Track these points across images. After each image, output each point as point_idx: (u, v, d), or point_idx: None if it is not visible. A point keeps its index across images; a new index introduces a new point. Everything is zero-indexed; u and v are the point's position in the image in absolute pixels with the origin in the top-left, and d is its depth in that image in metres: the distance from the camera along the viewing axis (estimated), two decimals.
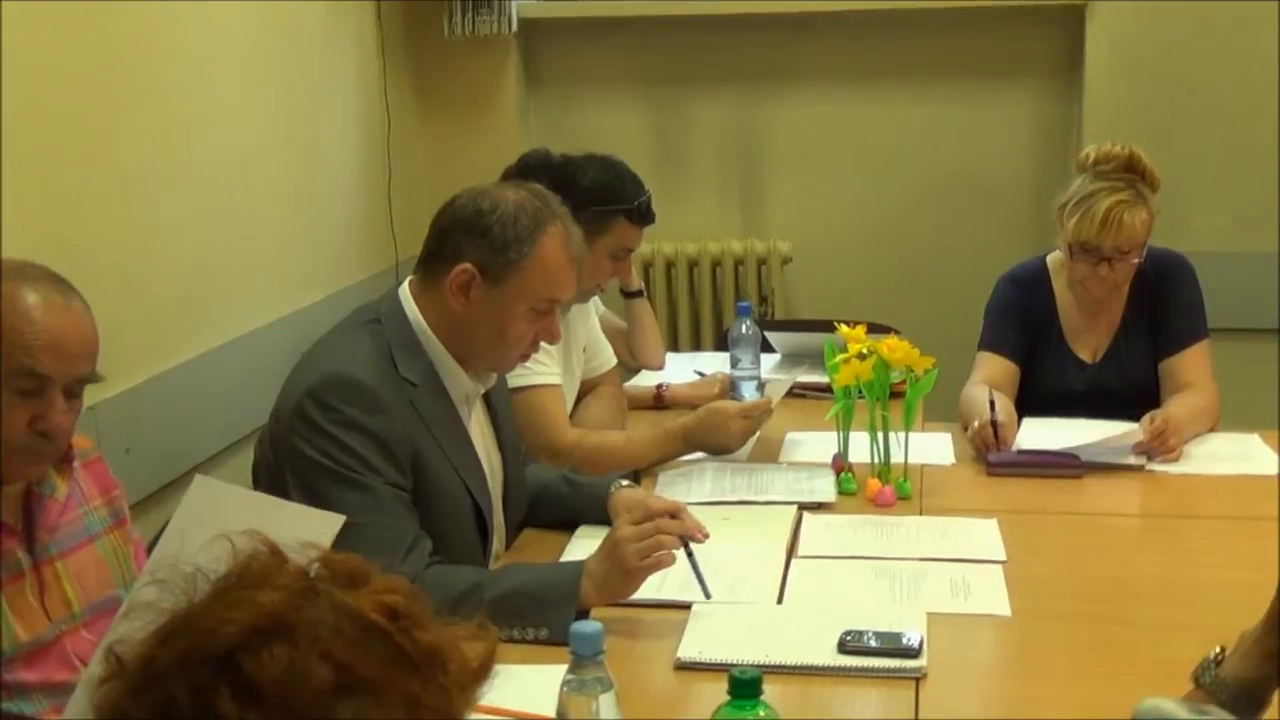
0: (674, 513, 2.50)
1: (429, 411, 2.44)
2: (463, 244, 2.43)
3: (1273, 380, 4.31)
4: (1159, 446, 3.02)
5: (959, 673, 2.14)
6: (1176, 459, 3.04)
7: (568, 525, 2.70)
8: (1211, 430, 3.23)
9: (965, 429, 3.20)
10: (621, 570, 2.24)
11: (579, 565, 2.30)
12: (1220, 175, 4.52)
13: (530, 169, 3.04)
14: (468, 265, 2.42)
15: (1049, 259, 3.43)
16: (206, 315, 3.32)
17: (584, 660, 1.75)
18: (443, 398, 2.48)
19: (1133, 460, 3.01)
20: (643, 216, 3.14)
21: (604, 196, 3.06)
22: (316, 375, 2.38)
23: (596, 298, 3.41)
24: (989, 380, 3.30)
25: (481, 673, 1.09)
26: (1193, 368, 3.31)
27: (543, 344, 2.92)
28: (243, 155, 3.52)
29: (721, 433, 3.03)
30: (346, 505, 2.23)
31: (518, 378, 2.91)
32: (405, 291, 2.50)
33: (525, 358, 2.57)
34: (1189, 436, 3.12)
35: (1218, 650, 1.73)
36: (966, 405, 3.28)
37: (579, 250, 2.54)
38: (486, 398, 2.62)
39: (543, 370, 2.99)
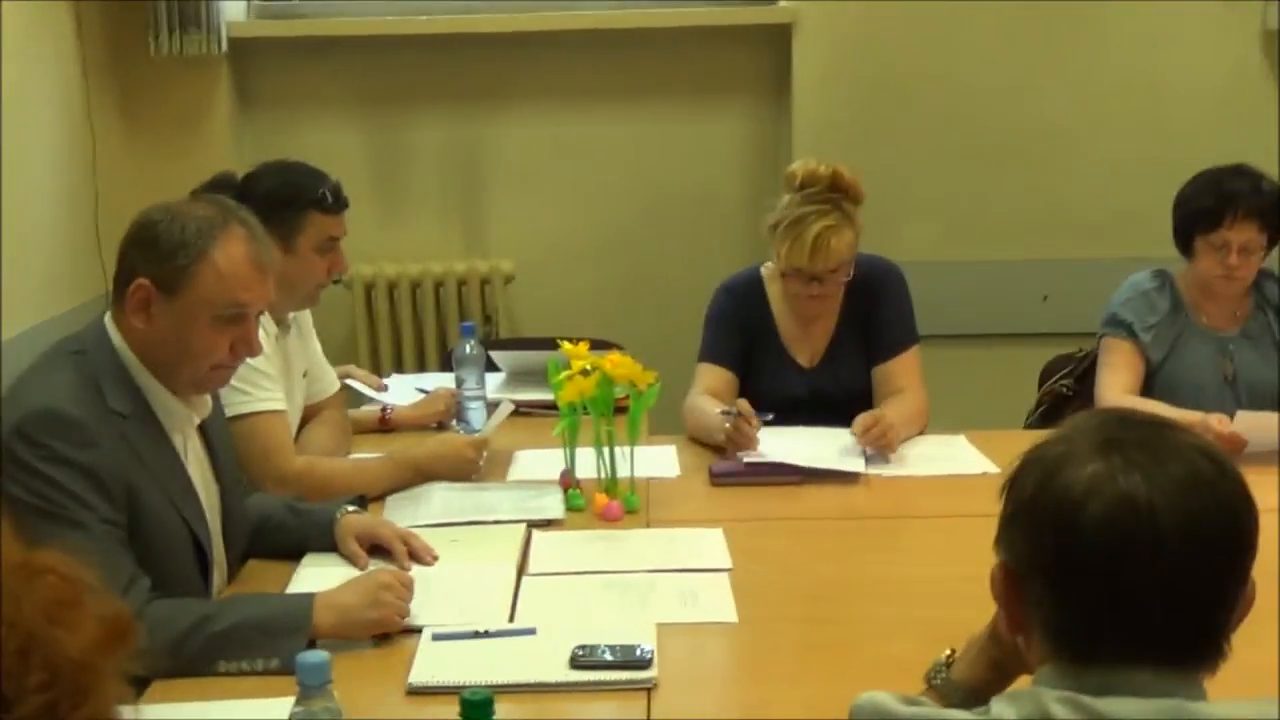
0: (404, 539, 2.55)
1: (141, 443, 2.34)
2: (135, 260, 2.35)
3: (978, 382, 4.51)
4: (877, 440, 3.13)
5: (689, 679, 2.17)
6: (893, 449, 3.15)
7: (293, 554, 2.64)
8: (921, 433, 3.36)
9: (691, 439, 3.27)
10: (377, 616, 2.25)
11: (310, 596, 2.27)
12: (929, 185, 4.72)
13: (214, 191, 2.96)
14: (142, 280, 2.33)
15: (763, 268, 3.51)
16: None
17: (311, 691, 1.72)
18: (155, 428, 2.39)
19: (849, 468, 3.10)
20: (335, 203, 3.07)
21: (286, 197, 3.00)
22: (21, 412, 2.27)
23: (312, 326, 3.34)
24: (710, 390, 3.37)
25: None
26: (904, 373, 3.43)
27: (263, 369, 2.86)
28: None
29: (457, 464, 3.02)
30: (61, 544, 2.13)
31: (239, 405, 2.84)
32: (110, 319, 2.41)
33: (225, 370, 2.45)
34: (903, 438, 3.24)
35: (949, 652, 1.78)
36: (691, 415, 3.34)
37: (269, 254, 2.45)
38: (202, 428, 2.54)
39: (265, 396, 2.92)
